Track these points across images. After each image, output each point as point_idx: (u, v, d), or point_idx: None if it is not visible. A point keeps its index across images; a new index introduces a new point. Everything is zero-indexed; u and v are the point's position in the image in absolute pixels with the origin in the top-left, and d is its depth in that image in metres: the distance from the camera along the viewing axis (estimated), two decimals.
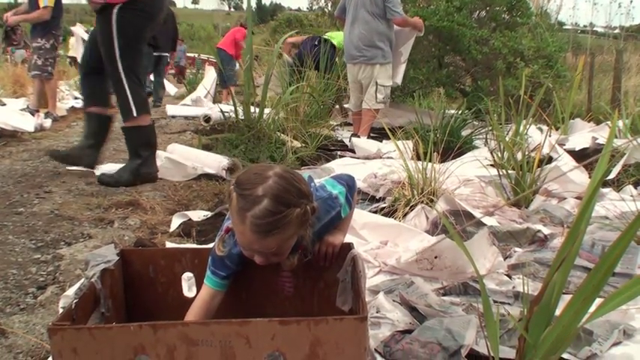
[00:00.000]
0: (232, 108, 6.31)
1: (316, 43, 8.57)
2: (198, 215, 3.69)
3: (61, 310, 2.03)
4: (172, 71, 26.55)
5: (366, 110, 6.83)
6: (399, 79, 7.15)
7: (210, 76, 13.21)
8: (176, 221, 3.57)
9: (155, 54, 11.48)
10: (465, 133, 6.28)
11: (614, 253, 1.39)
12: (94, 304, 1.60)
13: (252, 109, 6.08)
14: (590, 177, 3.94)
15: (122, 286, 1.82)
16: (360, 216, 3.22)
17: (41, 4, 7.96)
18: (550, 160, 4.40)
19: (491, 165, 4.44)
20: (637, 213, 1.38)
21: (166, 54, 12.33)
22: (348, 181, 1.99)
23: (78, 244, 3.17)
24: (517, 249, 2.98)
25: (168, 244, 3.13)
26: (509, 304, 2.35)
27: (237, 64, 13.76)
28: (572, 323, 1.47)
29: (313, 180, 1.93)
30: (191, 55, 29.22)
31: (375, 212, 3.58)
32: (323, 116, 7.12)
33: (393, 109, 7.93)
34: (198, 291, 1.86)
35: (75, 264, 2.86)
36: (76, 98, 11.64)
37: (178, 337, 1.30)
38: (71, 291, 2.41)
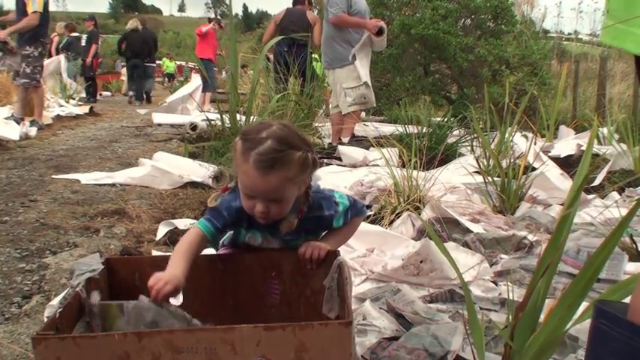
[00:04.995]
0: (218, 116, 6.30)
1: (286, 48, 8.37)
2: (184, 223, 3.68)
3: (46, 320, 2.02)
4: (160, 79, 26.68)
5: (336, 114, 6.79)
6: (363, 77, 6.78)
7: (194, 82, 13.20)
8: (162, 229, 3.56)
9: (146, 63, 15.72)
10: (450, 140, 6.30)
11: (599, 259, 1.40)
12: (78, 313, 1.59)
13: (237, 116, 6.08)
14: None
15: (108, 295, 1.81)
16: None
17: (29, 10, 7.91)
18: (534, 168, 4.42)
19: (476, 172, 4.46)
20: (621, 219, 1.38)
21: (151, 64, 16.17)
22: (357, 202, 2.01)
23: (63, 253, 3.16)
24: (503, 256, 2.99)
25: (155, 253, 3.12)
26: (495, 310, 2.35)
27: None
28: (556, 329, 1.48)
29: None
30: (179, 63, 29.35)
31: (362, 220, 3.57)
32: (307, 125, 7.11)
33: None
34: (184, 298, 1.85)
35: (60, 273, 2.85)
36: (61, 106, 11.61)
37: (163, 344, 1.29)
38: (56, 300, 2.39)
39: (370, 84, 6.85)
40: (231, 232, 1.88)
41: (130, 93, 16.10)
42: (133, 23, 16.16)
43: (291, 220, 1.81)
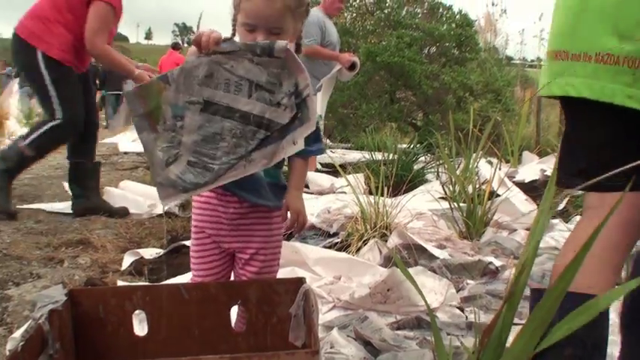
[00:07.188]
0: None
1: None
2: (150, 253, 3.65)
3: (8, 353, 1.99)
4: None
5: None
6: (318, 110, 6.79)
7: None
8: (128, 259, 3.53)
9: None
10: (416, 167, 6.35)
11: (563, 282, 1.40)
12: (41, 346, 1.57)
13: None
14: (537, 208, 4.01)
15: (71, 327, 1.78)
16: (313, 252, 3.23)
17: None
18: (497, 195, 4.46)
19: (442, 198, 4.49)
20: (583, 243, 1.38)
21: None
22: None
23: (26, 285, 3.10)
24: (469, 281, 3.01)
25: (120, 283, 3.09)
26: (462, 336, 2.36)
27: None
28: (522, 353, 1.49)
29: None
30: None
31: (329, 247, 3.58)
32: None
33: None
34: (149, 329, 1.83)
35: (23, 305, 2.80)
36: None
37: None
38: (19, 333, 2.36)
39: (323, 118, 6.84)
40: None
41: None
42: None
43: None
